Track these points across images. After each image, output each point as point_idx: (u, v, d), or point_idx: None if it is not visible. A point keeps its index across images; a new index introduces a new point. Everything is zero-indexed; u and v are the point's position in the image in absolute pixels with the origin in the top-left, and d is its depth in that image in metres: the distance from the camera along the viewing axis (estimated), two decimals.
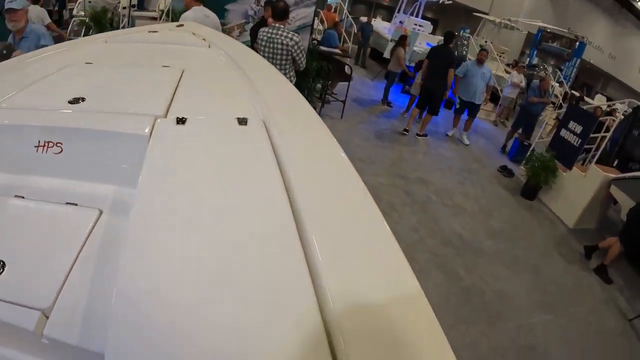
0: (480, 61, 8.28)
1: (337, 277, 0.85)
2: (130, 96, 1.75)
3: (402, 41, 9.79)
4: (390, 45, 11.53)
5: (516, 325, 3.77)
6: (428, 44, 12.36)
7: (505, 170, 7.20)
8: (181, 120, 1.47)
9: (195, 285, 0.85)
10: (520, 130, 8.65)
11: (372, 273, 0.90)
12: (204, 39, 2.75)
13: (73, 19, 8.51)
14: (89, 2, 8.41)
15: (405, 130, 8.06)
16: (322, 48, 8.18)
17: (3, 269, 1.12)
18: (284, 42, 4.55)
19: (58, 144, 1.53)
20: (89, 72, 2.09)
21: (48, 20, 7.41)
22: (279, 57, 4.68)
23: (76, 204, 1.41)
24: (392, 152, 6.96)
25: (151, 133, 1.40)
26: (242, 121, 1.49)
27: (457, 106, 8.79)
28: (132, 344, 0.77)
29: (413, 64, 10.88)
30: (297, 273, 0.85)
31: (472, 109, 8.55)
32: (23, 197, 1.46)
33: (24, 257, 1.18)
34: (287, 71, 4.79)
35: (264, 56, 4.62)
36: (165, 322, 0.77)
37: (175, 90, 1.77)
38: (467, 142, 8.58)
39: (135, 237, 1.00)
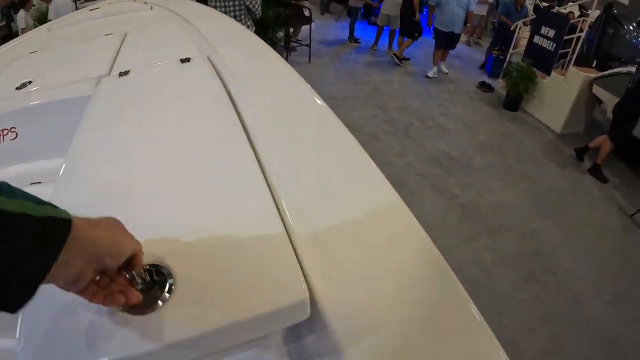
0: None
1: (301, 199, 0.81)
2: (74, 67, 1.72)
3: None
4: None
5: (518, 234, 3.63)
6: None
7: (484, 86, 6.91)
8: (124, 73, 1.43)
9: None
10: (498, 47, 7.91)
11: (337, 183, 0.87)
12: (145, 3, 2.76)
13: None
14: (33, 5, 8.30)
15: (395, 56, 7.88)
16: None
17: None
18: None
19: (12, 129, 1.51)
20: (34, 59, 2.07)
21: None
22: (231, 7, 4.50)
23: (40, 182, 1.37)
24: (367, 87, 6.64)
25: (95, 91, 1.35)
26: (185, 60, 1.46)
27: (432, 39, 7.52)
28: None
29: None
30: (262, 206, 0.77)
31: (452, 39, 7.38)
32: None
33: None
34: (243, 21, 4.60)
35: (214, 7, 4.44)
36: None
37: (119, 50, 1.75)
38: (445, 70, 7.76)
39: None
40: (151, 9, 2.60)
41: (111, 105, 1.28)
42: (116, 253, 0.49)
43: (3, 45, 2.49)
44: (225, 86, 1.25)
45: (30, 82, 1.62)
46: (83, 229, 0.44)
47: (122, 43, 1.86)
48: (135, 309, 0.57)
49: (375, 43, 8.82)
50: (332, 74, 7.11)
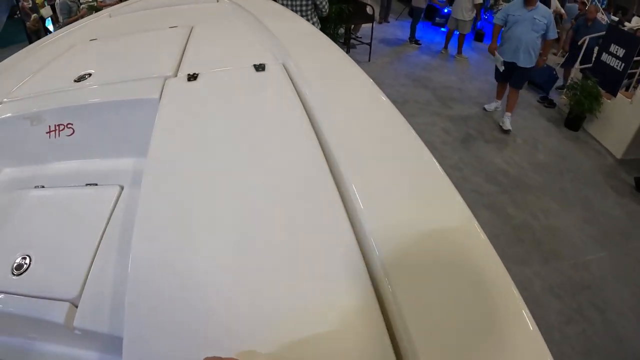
0: (529, 0, 4.91)
1: (381, 223, 0.73)
2: (137, 63, 1.64)
3: None
4: None
5: (570, 264, 3.47)
6: None
7: (545, 101, 6.57)
8: (193, 77, 1.35)
9: (218, 257, 0.72)
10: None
11: (419, 210, 0.78)
12: None
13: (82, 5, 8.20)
14: None
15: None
16: None
17: (30, 264, 1.05)
18: None
19: (69, 125, 1.45)
20: (94, 48, 1.99)
21: None
22: (298, 3, 4.38)
23: (96, 184, 1.33)
24: (426, 91, 6.50)
25: (161, 95, 1.28)
26: (260, 67, 1.36)
27: (501, 68, 5.34)
28: (149, 327, 0.65)
29: None
30: (337, 225, 0.74)
31: (515, 73, 5.26)
32: (43, 187, 1.34)
33: (49, 248, 1.09)
34: (309, 18, 4.47)
35: (283, 4, 4.29)
36: (184, 300, 0.66)
37: (185, 48, 1.66)
38: (508, 126, 5.47)
39: (146, 210, 0.87)
40: (217, 1, 2.47)
41: (180, 115, 1.19)
42: None
43: (63, 29, 2.42)
44: (301, 99, 1.15)
45: (89, 75, 1.54)
46: None
47: (188, 39, 1.76)
48: None
49: (445, 47, 8.43)
50: (392, 75, 7.01)
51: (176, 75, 1.40)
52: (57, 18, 8.80)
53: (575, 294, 3.21)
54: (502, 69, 5.28)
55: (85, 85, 1.49)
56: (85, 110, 1.41)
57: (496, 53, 5.26)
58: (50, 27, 9.04)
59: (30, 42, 8.81)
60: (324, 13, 4.54)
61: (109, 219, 1.13)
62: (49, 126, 1.44)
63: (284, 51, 1.47)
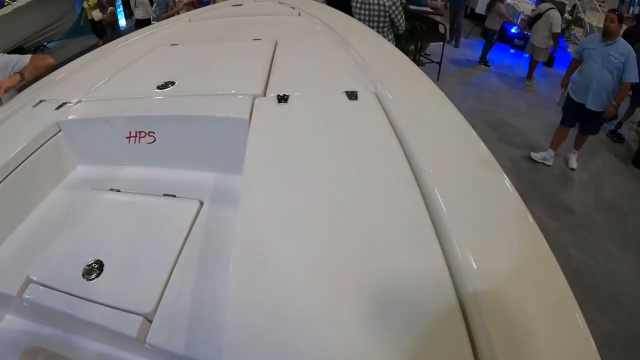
0: (607, 33, 4.27)
1: (475, 261, 0.73)
2: (222, 75, 1.61)
3: None
4: None
5: (626, 314, 3.35)
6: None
7: (614, 135, 6.24)
8: (283, 98, 1.31)
9: (320, 290, 0.73)
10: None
11: (508, 253, 0.77)
12: (292, 7, 2.52)
13: None
14: None
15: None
16: (412, 7, 7.53)
17: (101, 270, 1.06)
18: (381, 1, 4.06)
19: (150, 134, 1.45)
20: (176, 54, 1.99)
21: None
22: (375, 19, 4.20)
23: (174, 195, 1.34)
24: (493, 117, 6.39)
25: (251, 114, 1.27)
26: (352, 95, 1.30)
27: (559, 104, 4.97)
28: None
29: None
30: (432, 262, 0.74)
31: (585, 119, 4.65)
32: (119, 191, 1.41)
33: (122, 255, 1.11)
34: (385, 34, 4.28)
35: (360, 19, 4.19)
36: (287, 334, 0.67)
37: (271, 64, 1.61)
38: (573, 164, 5.06)
39: (245, 240, 0.85)
40: (299, 15, 2.38)
41: (274, 139, 1.15)
42: None
43: (142, 30, 2.40)
44: (396, 133, 1.11)
45: (172, 84, 1.53)
46: None
47: (273, 54, 1.69)
48: None
49: (529, 78, 7.88)
50: (460, 96, 6.92)
51: (265, 95, 1.37)
52: (130, 13, 9.28)
53: (629, 345, 3.12)
54: (559, 105, 4.91)
55: (168, 94, 1.49)
56: (169, 121, 1.40)
57: (565, 88, 4.85)
58: (122, 21, 9.67)
59: (98, 35, 8.97)
60: (401, 31, 4.35)
61: (188, 234, 1.14)
62: (130, 132, 1.45)
63: (376, 79, 1.40)
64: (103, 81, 1.70)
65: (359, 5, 4.20)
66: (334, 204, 0.90)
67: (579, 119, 4.72)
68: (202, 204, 1.26)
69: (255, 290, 0.74)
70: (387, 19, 4.18)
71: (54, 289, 1.02)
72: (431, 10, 8.00)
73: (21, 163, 1.35)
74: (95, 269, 1.05)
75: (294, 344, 0.65)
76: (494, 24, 8.38)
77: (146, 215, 1.24)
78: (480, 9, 10.38)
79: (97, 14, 8.54)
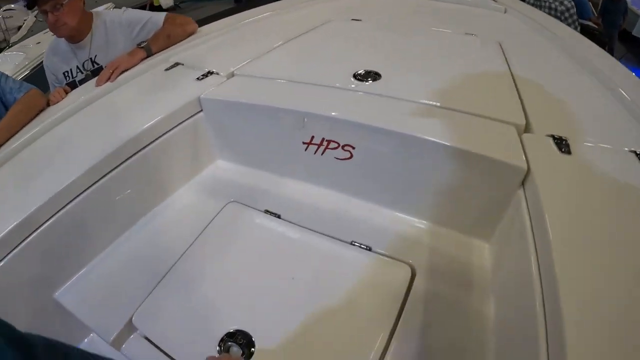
0: None
1: None
2: (443, 78, 1.13)
3: None
4: None
5: None
6: None
7: None
8: (564, 145, 0.84)
9: None
10: None
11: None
12: (494, 0, 1.92)
13: None
14: None
15: None
16: (582, 20, 6.58)
17: (250, 352, 0.76)
18: (552, 6, 3.57)
19: (346, 148, 1.02)
20: (364, 34, 1.53)
21: None
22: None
23: (369, 249, 0.94)
24: None
25: (528, 163, 0.80)
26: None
27: None
28: None
29: None
30: None
31: None
32: (279, 217, 1.04)
33: (286, 333, 0.78)
34: None
35: None
36: None
37: (513, 78, 1.12)
38: None
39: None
40: (505, 12, 1.81)
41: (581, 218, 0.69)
42: None
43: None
44: None
45: (377, 77, 1.13)
46: None
47: (507, 62, 1.22)
48: None
49: None
50: None
51: (528, 130, 0.93)
52: None
53: None
54: None
55: (374, 90, 1.08)
56: (387, 138, 0.95)
57: None
58: None
59: None
60: None
61: (396, 321, 0.79)
62: (312, 136, 1.06)
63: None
64: (263, 53, 1.35)
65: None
66: None
67: None
68: (414, 272, 0.89)
69: None
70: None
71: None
72: (595, 27, 6.98)
73: (150, 143, 1.09)
74: (237, 345, 0.76)
75: None
76: None
77: (324, 270, 0.90)
78: (638, 31, 8.94)
79: None
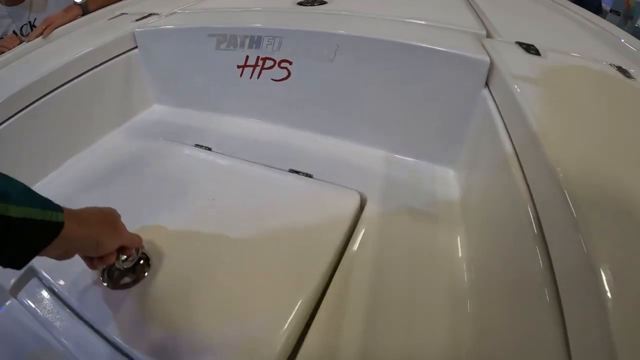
0: None
1: None
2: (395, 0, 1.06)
3: None
4: None
5: None
6: None
7: None
8: (532, 49, 0.75)
9: None
10: None
11: None
12: None
13: None
14: None
15: None
16: None
17: None
18: None
19: (282, 64, 0.90)
20: None
21: None
22: None
23: (310, 175, 0.82)
24: None
25: (491, 60, 0.71)
26: (620, 69, 0.70)
27: None
28: None
29: None
30: None
31: None
32: (209, 149, 0.94)
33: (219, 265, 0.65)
34: None
35: None
36: None
37: None
38: None
39: None
40: None
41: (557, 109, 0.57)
42: (95, 250, 0.51)
43: None
44: None
45: (323, 2, 1.06)
46: (71, 229, 0.45)
47: None
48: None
49: None
50: None
51: (490, 37, 0.84)
52: None
53: None
54: None
55: (319, 12, 0.98)
56: (325, 40, 0.84)
57: None
58: None
59: None
60: None
61: (342, 250, 0.66)
62: (247, 57, 0.93)
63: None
64: None
65: None
66: None
67: None
68: (364, 199, 0.75)
69: None
70: None
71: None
72: None
73: (72, 80, 0.97)
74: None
75: None
76: None
77: (253, 194, 0.77)
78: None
79: None
